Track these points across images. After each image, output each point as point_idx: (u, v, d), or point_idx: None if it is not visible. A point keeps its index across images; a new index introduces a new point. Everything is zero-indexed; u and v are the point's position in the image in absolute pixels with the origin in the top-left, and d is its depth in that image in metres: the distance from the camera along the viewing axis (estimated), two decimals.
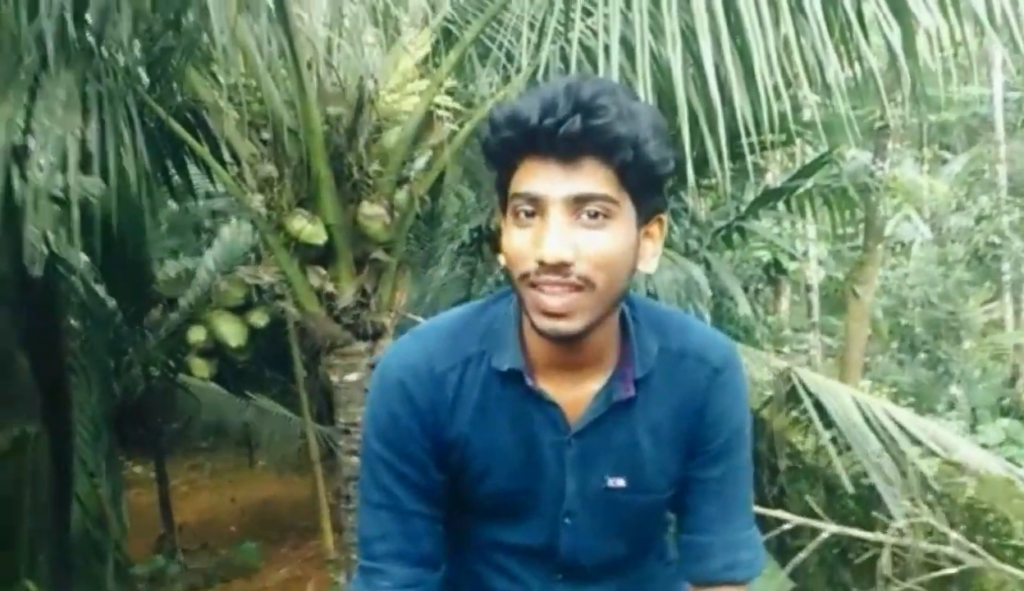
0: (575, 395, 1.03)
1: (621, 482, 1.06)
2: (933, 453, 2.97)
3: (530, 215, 0.91)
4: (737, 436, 1.08)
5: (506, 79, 2.61)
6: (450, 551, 1.11)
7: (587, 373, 1.03)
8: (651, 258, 0.99)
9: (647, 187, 0.94)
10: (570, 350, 0.99)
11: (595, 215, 0.90)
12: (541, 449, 1.04)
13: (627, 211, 0.92)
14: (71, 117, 2.36)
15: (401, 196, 2.61)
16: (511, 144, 0.91)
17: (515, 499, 1.06)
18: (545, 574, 1.12)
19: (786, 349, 7.28)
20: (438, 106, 2.53)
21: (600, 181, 0.90)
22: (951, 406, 6.75)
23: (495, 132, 0.92)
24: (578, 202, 0.90)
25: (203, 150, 2.66)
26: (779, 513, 2.69)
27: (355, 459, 2.66)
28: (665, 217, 1.01)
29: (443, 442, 1.03)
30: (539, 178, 0.90)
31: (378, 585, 1.03)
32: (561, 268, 0.89)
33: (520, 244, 0.92)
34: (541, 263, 0.89)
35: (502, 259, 0.99)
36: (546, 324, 0.92)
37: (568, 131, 0.87)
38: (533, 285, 0.91)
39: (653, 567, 1.17)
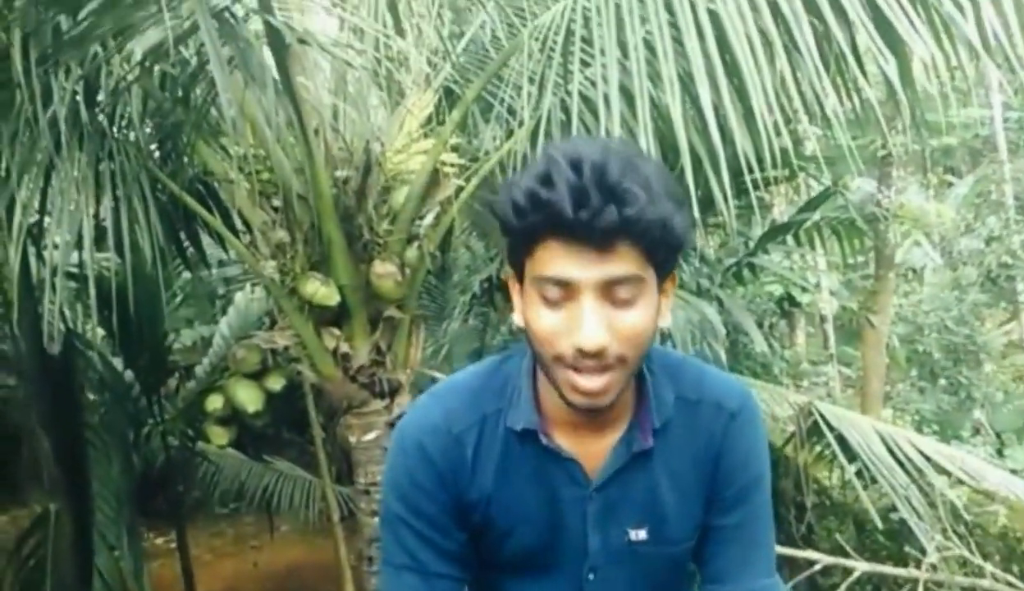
0: (593, 449, 1.03)
1: (643, 534, 1.05)
2: (961, 482, 2.92)
3: (558, 296, 0.91)
4: (756, 482, 1.07)
5: (509, 133, 2.64)
6: None
7: (605, 428, 1.03)
8: (666, 312, 0.99)
9: (670, 259, 0.95)
10: (592, 413, 0.99)
11: (625, 295, 0.90)
12: (562, 505, 1.03)
13: (651, 284, 0.93)
14: (85, 195, 2.41)
15: (412, 253, 2.64)
16: (537, 228, 0.90)
17: (539, 556, 1.05)
18: None
19: (805, 383, 7.21)
20: (444, 163, 2.57)
21: (631, 263, 0.89)
22: (976, 431, 6.66)
23: (520, 216, 0.90)
24: (610, 285, 0.89)
25: (215, 221, 2.70)
26: (809, 554, 2.65)
27: (376, 520, 2.64)
28: (676, 274, 1.02)
29: (464, 502, 1.03)
30: (570, 263, 0.89)
31: None
32: (599, 353, 0.89)
33: (552, 326, 0.91)
34: (579, 350, 0.89)
35: (518, 320, 0.98)
36: (582, 402, 0.93)
37: (605, 224, 0.86)
38: (568, 367, 0.91)
39: None
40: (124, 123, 2.64)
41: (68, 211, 2.49)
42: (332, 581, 5.19)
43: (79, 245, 2.57)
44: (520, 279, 0.97)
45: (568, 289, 0.90)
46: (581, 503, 1.04)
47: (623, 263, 0.89)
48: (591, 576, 1.06)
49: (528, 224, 0.90)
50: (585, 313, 0.89)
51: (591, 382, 0.91)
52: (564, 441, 1.03)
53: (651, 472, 1.04)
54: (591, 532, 1.05)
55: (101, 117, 2.50)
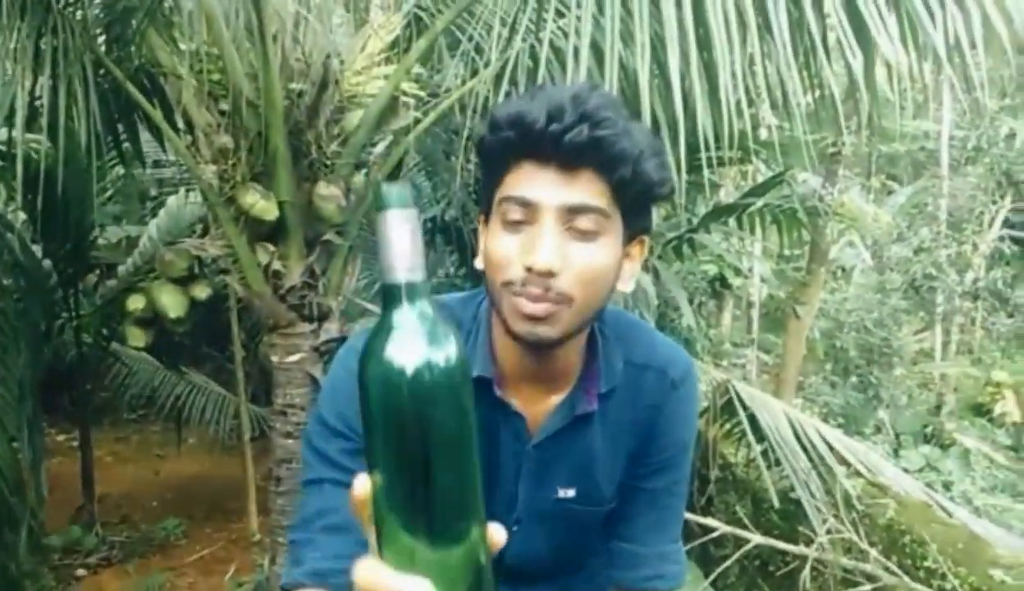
0: (539, 407, 1.03)
1: (571, 493, 1.06)
2: (859, 474, 3.05)
3: (520, 220, 0.89)
4: (683, 451, 1.09)
5: (474, 72, 2.60)
6: None
7: (553, 385, 1.03)
8: (628, 278, 0.98)
9: (639, 206, 0.93)
10: (540, 360, 0.98)
11: (585, 228, 0.89)
12: (500, 457, 1.03)
13: (616, 228, 0.92)
14: (22, 68, 2.28)
15: (358, 179, 2.59)
16: (511, 145, 0.89)
17: None
18: None
19: (724, 362, 7.40)
20: (403, 92, 2.51)
21: (596, 194, 0.88)
22: (878, 429, 6.96)
23: (495, 131, 0.90)
24: (572, 213, 0.88)
25: (157, 115, 2.59)
26: (707, 521, 2.74)
27: (289, 442, 2.62)
28: (646, 239, 1.00)
29: None
30: (535, 183, 0.88)
31: (307, 557, 0.95)
32: (548, 277, 0.87)
33: (507, 249, 0.90)
34: (529, 270, 0.88)
35: (479, 263, 0.96)
36: (523, 328, 0.90)
37: (574, 139, 0.85)
38: (514, 292, 0.89)
39: (589, 570, 1.17)
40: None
41: (0, 84, 2.36)
42: (234, 497, 5.17)
43: (9, 121, 2.44)
44: (487, 215, 0.95)
45: (530, 211, 0.89)
46: (517, 458, 1.04)
47: (588, 192, 0.88)
48: (515, 528, 1.07)
49: (501, 139, 0.89)
50: (542, 233, 0.88)
51: (535, 306, 0.89)
52: (513, 396, 1.02)
53: (589, 434, 1.04)
54: (522, 486, 1.05)
55: None
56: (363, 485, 0.60)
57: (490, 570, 0.64)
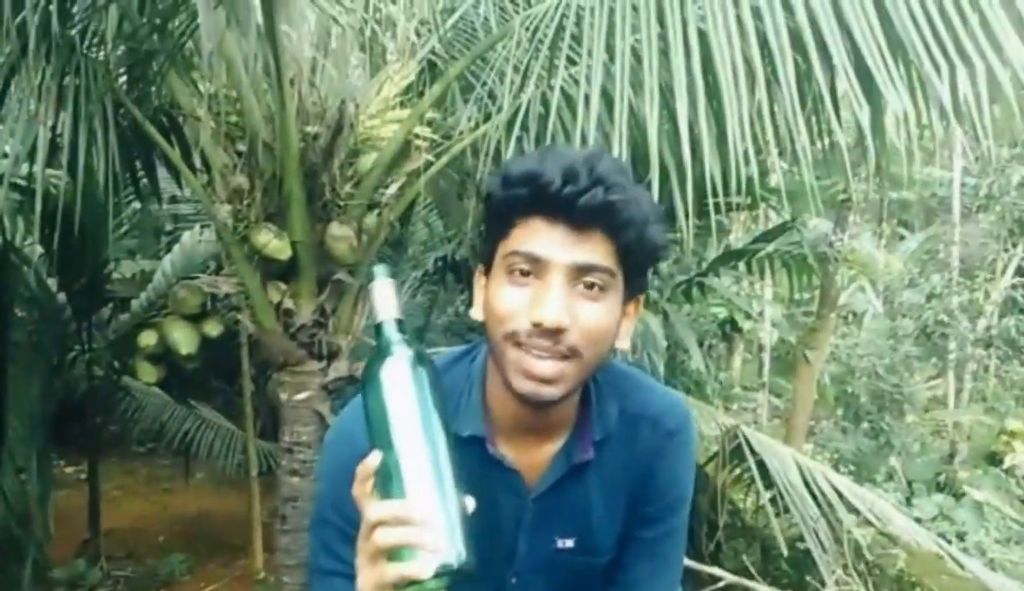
0: (534, 458, 1.03)
1: (570, 543, 1.06)
2: (869, 522, 3.02)
3: (526, 274, 0.91)
4: (680, 500, 1.10)
5: (486, 117, 2.64)
6: None
7: (547, 436, 1.03)
8: (624, 336, 0.99)
9: (642, 268, 0.96)
10: (537, 415, 0.99)
11: (592, 286, 0.91)
12: (499, 512, 1.04)
13: (619, 288, 0.94)
14: (45, 107, 2.34)
15: (371, 220, 2.62)
16: (522, 201, 0.91)
17: None
18: None
19: (735, 406, 7.36)
20: (416, 135, 2.55)
21: (604, 255, 0.91)
22: (890, 477, 6.87)
23: (507, 187, 0.92)
24: (580, 271, 0.90)
25: (175, 155, 2.64)
26: (714, 570, 2.72)
27: (295, 479, 2.62)
28: (642, 298, 1.03)
29: None
30: (545, 241, 0.90)
31: None
32: (555, 334, 0.89)
33: (513, 302, 0.91)
34: (536, 325, 0.89)
35: (477, 314, 0.98)
36: (529, 388, 0.91)
37: (588, 202, 0.88)
38: (519, 345, 0.90)
39: None
40: (96, 41, 2.56)
41: (24, 120, 2.41)
42: (240, 533, 5.14)
43: (31, 157, 2.49)
44: (488, 267, 0.96)
45: (539, 266, 0.90)
46: (518, 512, 1.04)
47: (597, 252, 0.90)
48: (514, 580, 1.07)
49: (513, 196, 0.91)
50: (551, 289, 0.89)
51: (542, 366, 0.90)
52: (507, 450, 1.03)
53: (586, 484, 1.05)
54: (521, 539, 1.05)
55: (73, 31, 2.42)
56: (373, 460, 0.81)
57: (468, 522, 0.82)
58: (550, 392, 0.92)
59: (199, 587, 5.00)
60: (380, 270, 0.89)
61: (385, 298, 0.88)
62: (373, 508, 0.79)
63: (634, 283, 0.96)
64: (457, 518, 0.80)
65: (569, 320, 0.89)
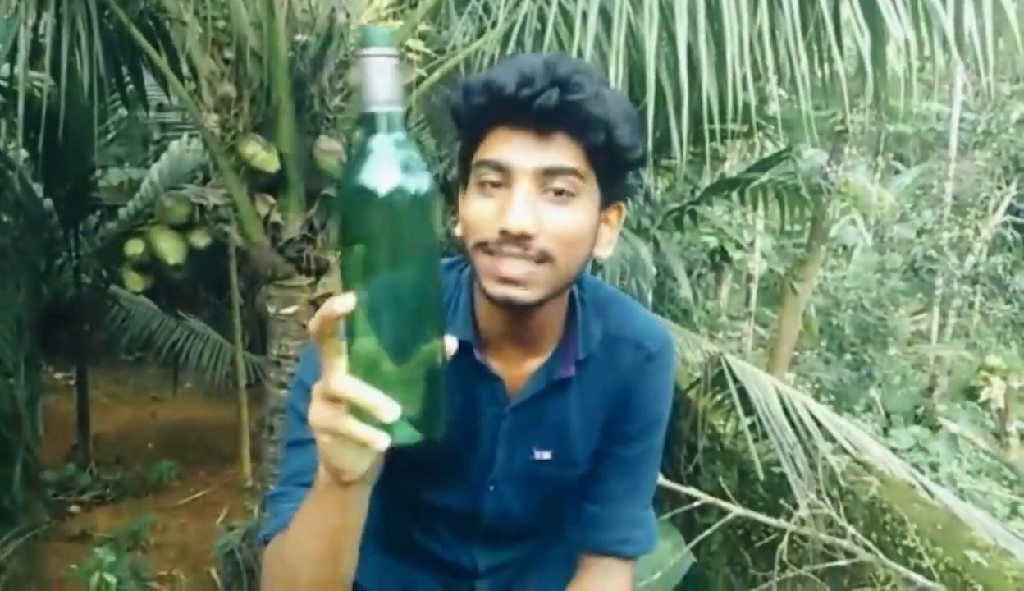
0: (518, 370, 1.05)
1: (547, 455, 1.08)
2: (845, 450, 3.09)
3: (495, 185, 0.91)
4: (657, 421, 1.12)
5: (481, 31, 2.58)
6: (376, 502, 1.13)
7: (531, 350, 1.04)
8: (606, 244, 1.00)
9: (614, 171, 0.94)
10: (518, 324, 1.00)
11: (561, 191, 0.90)
12: (478, 419, 1.05)
13: (592, 192, 0.93)
14: (25, 5, 2.27)
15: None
16: (483, 111, 0.90)
17: (446, 463, 1.07)
18: (465, 534, 1.14)
19: (720, 335, 7.43)
20: (409, 49, 2.49)
21: (570, 157, 0.90)
22: (869, 408, 7.00)
23: (467, 97, 0.91)
24: (547, 175, 0.90)
25: (162, 61, 2.57)
26: (691, 490, 2.78)
27: (283, 391, 2.65)
28: (624, 206, 1.02)
29: None
30: (509, 147, 0.90)
31: (283, 509, 0.98)
32: (523, 240, 0.89)
33: (482, 212, 0.91)
34: (503, 233, 0.89)
35: (457, 229, 0.98)
36: (499, 291, 0.91)
37: (544, 104, 0.87)
38: (490, 253, 0.91)
39: (564, 534, 1.20)
40: None
41: (4, 19, 2.34)
42: (228, 442, 5.22)
43: (12, 58, 2.43)
44: (466, 182, 0.96)
45: (504, 175, 0.90)
46: (496, 420, 1.06)
47: (562, 155, 0.90)
48: (491, 488, 1.10)
49: (475, 106, 0.91)
50: (515, 196, 0.89)
51: (511, 268, 0.90)
52: (492, 360, 1.04)
53: (566, 399, 1.06)
54: (499, 448, 1.07)
55: None
56: (342, 301, 0.69)
57: (445, 376, 0.73)
58: (521, 294, 0.91)
59: (188, 493, 5.11)
60: (378, 34, 0.69)
61: (380, 77, 0.68)
62: (335, 363, 0.72)
63: (610, 188, 0.96)
64: (434, 381, 0.71)
65: (535, 226, 0.89)
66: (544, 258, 0.90)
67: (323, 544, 0.86)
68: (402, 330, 0.70)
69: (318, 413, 0.74)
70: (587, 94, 0.88)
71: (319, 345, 0.72)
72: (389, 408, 0.69)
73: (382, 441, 0.71)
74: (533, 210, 0.89)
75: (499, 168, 0.90)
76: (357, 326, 0.69)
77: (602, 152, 0.91)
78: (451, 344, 0.76)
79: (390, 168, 0.68)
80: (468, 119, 0.93)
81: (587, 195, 0.92)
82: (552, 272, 0.92)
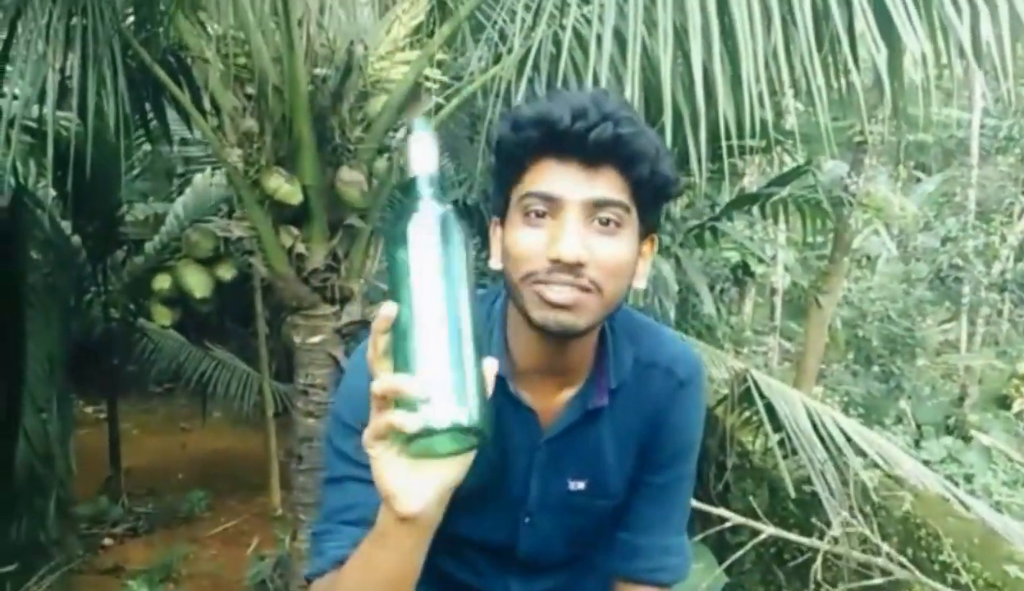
0: (551, 402, 1.05)
1: (581, 485, 1.08)
2: (876, 465, 3.05)
3: (541, 215, 0.91)
4: (689, 448, 1.11)
5: (497, 57, 2.60)
6: None
7: (565, 381, 1.04)
8: (642, 275, 1.00)
9: (655, 203, 0.97)
10: (557, 354, 1.00)
11: (607, 222, 0.91)
12: (513, 452, 1.05)
13: (634, 223, 0.94)
14: (53, 48, 2.32)
15: (381, 164, 2.61)
16: (533, 143, 0.92)
17: (481, 496, 1.05)
18: (502, 568, 1.14)
19: (745, 350, 7.38)
20: (427, 77, 2.52)
21: (618, 189, 0.91)
22: (899, 420, 6.91)
23: (517, 130, 0.92)
24: (595, 207, 0.91)
25: (184, 98, 2.62)
26: (722, 511, 2.75)
27: (311, 421, 2.66)
28: (656, 237, 1.03)
29: None
30: (559, 179, 0.91)
31: (328, 547, 1.00)
32: (575, 268, 0.89)
33: (530, 242, 0.91)
34: (554, 262, 0.89)
35: (494, 262, 0.98)
36: (550, 316, 0.91)
37: (599, 137, 0.89)
38: (538, 282, 0.91)
39: (596, 561, 1.18)
40: None
41: (33, 61, 2.40)
42: (258, 472, 5.25)
43: (40, 99, 2.49)
44: (502, 215, 0.97)
45: (553, 206, 0.91)
46: (531, 452, 1.06)
47: (610, 187, 0.91)
48: (527, 520, 1.09)
49: (525, 138, 0.92)
50: (567, 226, 0.90)
51: (561, 294, 0.90)
52: (525, 391, 1.04)
53: (599, 429, 1.06)
54: (534, 480, 1.07)
55: None
56: (389, 311, 0.77)
57: (485, 385, 0.79)
58: (570, 319, 0.92)
59: (219, 523, 5.14)
60: (420, 122, 0.87)
61: (421, 151, 0.84)
62: (384, 366, 0.78)
63: (648, 219, 0.97)
64: (473, 378, 0.77)
65: (587, 254, 0.90)
66: (593, 287, 0.91)
67: (380, 589, 0.87)
68: (449, 342, 0.77)
69: (371, 424, 0.78)
70: (635, 129, 0.90)
71: (372, 363, 0.79)
72: (422, 385, 0.74)
73: (413, 421, 0.74)
74: (583, 240, 0.90)
75: (548, 199, 0.91)
76: (403, 342, 0.78)
77: (646, 185, 0.93)
78: (491, 365, 0.80)
79: (428, 217, 0.81)
80: (515, 151, 0.94)
81: (631, 226, 0.94)
82: (599, 301, 0.92)
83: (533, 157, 0.92)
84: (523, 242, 0.92)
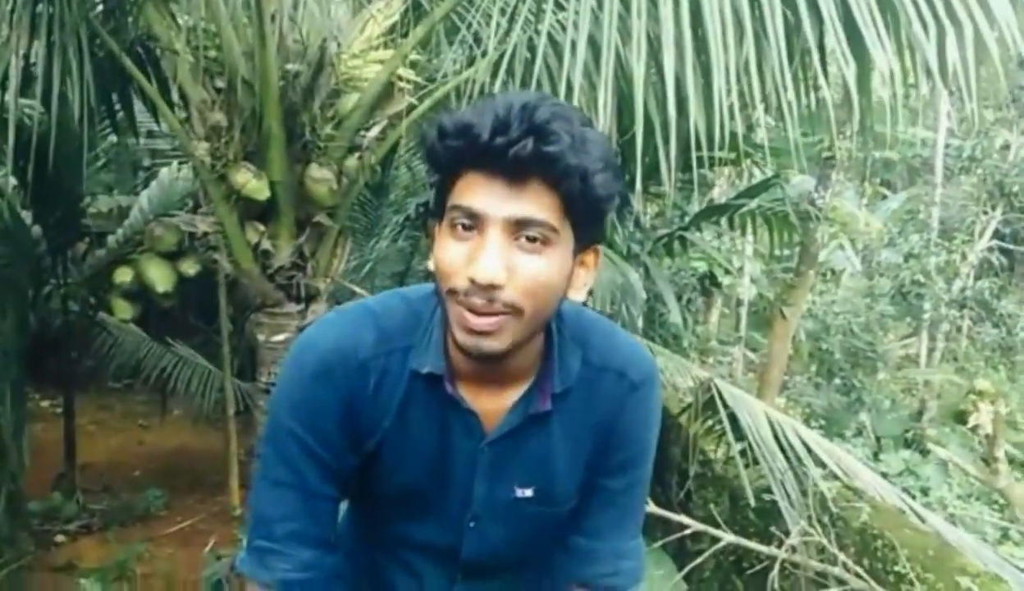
0: (494, 404, 1.03)
1: (529, 492, 1.06)
2: (835, 476, 3.08)
3: (468, 229, 0.89)
4: (644, 452, 1.10)
5: (471, 60, 2.60)
6: (354, 540, 1.12)
7: (508, 384, 1.03)
8: (582, 287, 0.98)
9: (589, 219, 0.92)
10: (490, 366, 0.98)
11: (533, 240, 0.88)
12: (454, 453, 1.04)
13: (566, 240, 0.91)
14: (17, 35, 2.27)
15: (351, 163, 2.59)
16: (457, 154, 0.88)
17: (423, 497, 1.06)
18: (445, 572, 1.13)
19: (711, 360, 7.44)
20: (400, 77, 2.51)
21: (544, 207, 0.88)
22: (859, 432, 7.00)
23: (442, 139, 0.89)
24: (519, 225, 0.88)
25: (152, 90, 2.58)
26: (682, 518, 2.77)
27: None
28: (601, 248, 1.00)
29: (360, 429, 1.02)
30: (482, 194, 0.88)
31: (277, 567, 1.01)
32: (491, 290, 0.87)
33: (453, 257, 0.89)
34: (472, 282, 0.87)
35: (430, 264, 0.96)
36: (469, 342, 0.90)
37: (518, 153, 0.84)
38: (458, 301, 0.89)
39: (549, 565, 1.18)
40: None
41: None
42: (217, 470, 5.18)
43: (3, 86, 2.44)
44: (440, 218, 0.95)
45: (477, 222, 0.88)
46: (472, 455, 1.04)
47: (535, 205, 0.87)
48: (472, 524, 1.08)
49: (448, 149, 0.89)
50: (486, 245, 0.87)
51: (479, 321, 0.89)
52: (466, 392, 1.02)
53: (547, 434, 1.05)
54: (478, 483, 1.06)
55: None
56: None
57: None
58: (490, 345, 0.90)
59: (175, 522, 5.05)
60: None
61: None
62: None
63: (585, 234, 0.93)
64: None
65: (505, 276, 0.87)
66: (510, 310, 0.89)
67: None
68: None
69: None
70: (563, 144, 0.85)
71: None
72: None
73: None
74: (504, 259, 0.87)
75: (471, 215, 0.88)
76: None
77: (578, 201, 0.88)
78: None
79: None
80: (443, 160, 0.91)
81: (561, 243, 0.90)
82: (518, 323, 0.90)
83: (460, 167, 0.89)
84: (447, 256, 0.90)
